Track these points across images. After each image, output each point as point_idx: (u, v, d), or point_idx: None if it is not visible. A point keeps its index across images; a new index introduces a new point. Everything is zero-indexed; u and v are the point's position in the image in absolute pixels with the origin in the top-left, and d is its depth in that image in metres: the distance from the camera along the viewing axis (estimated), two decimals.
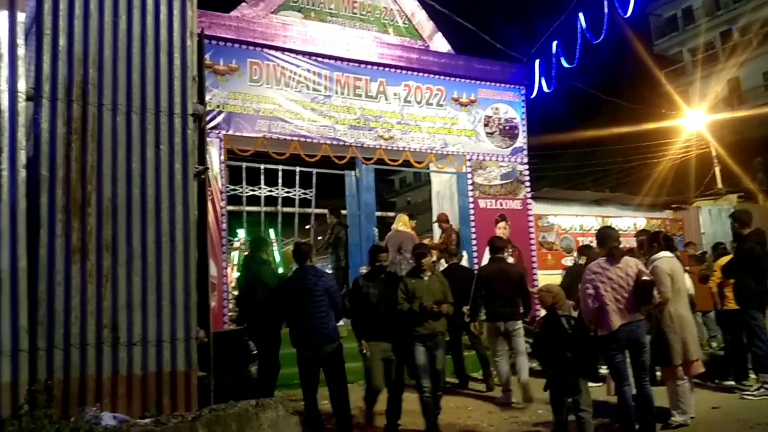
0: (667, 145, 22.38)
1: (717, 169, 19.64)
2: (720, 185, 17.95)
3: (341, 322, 6.69)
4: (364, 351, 5.70)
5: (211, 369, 4.78)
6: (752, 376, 6.91)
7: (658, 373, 5.99)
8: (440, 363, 5.79)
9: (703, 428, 5.44)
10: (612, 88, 21.10)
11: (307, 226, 12.06)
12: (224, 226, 8.55)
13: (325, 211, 10.63)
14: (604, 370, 5.70)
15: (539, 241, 11.37)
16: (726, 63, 27.84)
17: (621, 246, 5.49)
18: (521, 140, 11.27)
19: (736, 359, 7.14)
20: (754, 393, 6.51)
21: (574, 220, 11.94)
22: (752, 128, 24.18)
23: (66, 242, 4.22)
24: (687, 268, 7.82)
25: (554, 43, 11.18)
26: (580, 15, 10.82)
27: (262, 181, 10.26)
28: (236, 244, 11.66)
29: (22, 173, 4.14)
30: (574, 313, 5.81)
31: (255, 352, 6.50)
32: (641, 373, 5.00)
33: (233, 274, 9.60)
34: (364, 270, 9.30)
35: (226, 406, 4.07)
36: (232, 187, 9.88)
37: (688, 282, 6.94)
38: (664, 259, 5.72)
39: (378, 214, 11.41)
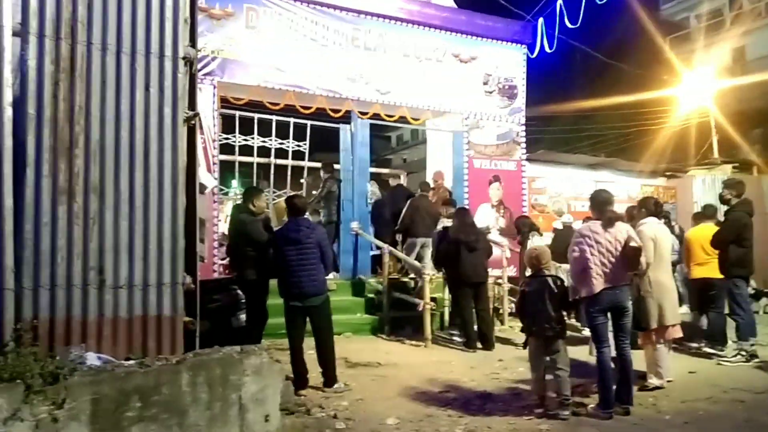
0: (667, 112, 22.18)
1: (714, 139, 19.52)
2: (716, 155, 17.87)
3: (330, 276, 6.76)
4: None
5: (197, 315, 4.83)
6: (730, 342, 7.05)
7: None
8: None
9: (679, 392, 5.56)
10: (614, 51, 20.78)
11: (301, 180, 11.99)
12: (216, 174, 8.48)
13: (318, 164, 10.57)
14: (586, 332, 5.79)
15: (531, 203, 11.38)
16: (732, 31, 27.37)
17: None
18: (520, 100, 11.13)
19: (715, 326, 7.26)
20: (731, 359, 6.66)
21: (567, 184, 11.94)
22: (754, 99, 23.91)
23: (53, 183, 4.18)
24: None
25: (558, 2, 10.95)
26: None
27: (255, 131, 10.13)
28: (231, 195, 11.61)
29: (8, 111, 4.05)
30: (564, 276, 5.88)
31: (243, 300, 6.56)
32: (621, 336, 5.07)
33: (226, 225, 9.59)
34: (356, 226, 9.34)
35: (210, 351, 4.12)
36: (225, 135, 9.76)
37: None
38: (649, 224, 5.78)
39: (372, 170, 11.32)
